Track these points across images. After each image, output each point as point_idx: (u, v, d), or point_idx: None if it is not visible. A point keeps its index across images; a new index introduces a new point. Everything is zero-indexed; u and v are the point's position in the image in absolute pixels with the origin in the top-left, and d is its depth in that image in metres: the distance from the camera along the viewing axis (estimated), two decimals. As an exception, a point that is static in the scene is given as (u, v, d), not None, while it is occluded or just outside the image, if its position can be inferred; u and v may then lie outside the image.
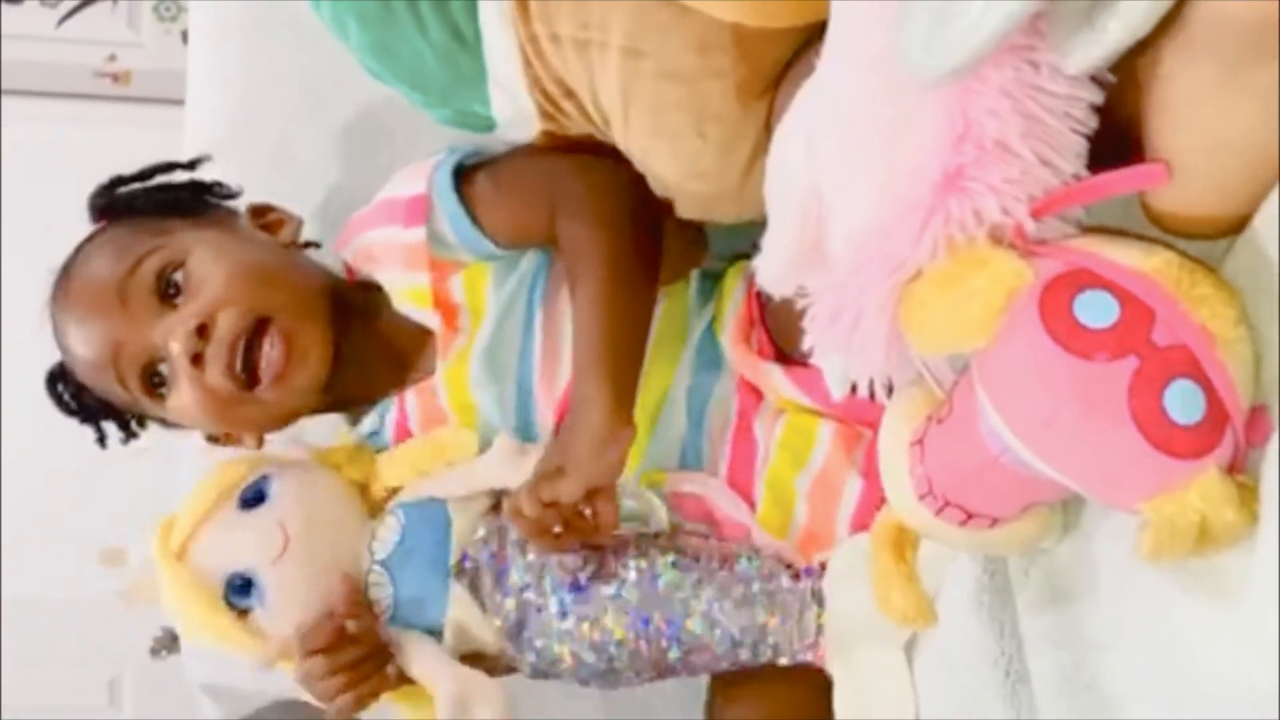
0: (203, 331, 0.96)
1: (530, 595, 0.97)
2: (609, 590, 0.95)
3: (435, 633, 0.99)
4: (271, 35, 1.25)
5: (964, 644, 0.81)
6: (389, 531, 1.00)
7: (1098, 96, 0.59)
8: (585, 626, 0.95)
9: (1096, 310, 0.58)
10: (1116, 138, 0.61)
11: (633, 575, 0.95)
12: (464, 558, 0.99)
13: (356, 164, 1.24)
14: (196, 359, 0.96)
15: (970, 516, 0.69)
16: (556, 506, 0.90)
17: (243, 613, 0.98)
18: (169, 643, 2.25)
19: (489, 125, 0.96)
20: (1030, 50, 0.59)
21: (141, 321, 0.97)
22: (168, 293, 0.97)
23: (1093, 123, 0.60)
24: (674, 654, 0.95)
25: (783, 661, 0.95)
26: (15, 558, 2.07)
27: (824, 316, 0.68)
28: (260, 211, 1.08)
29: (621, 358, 0.92)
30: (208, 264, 0.98)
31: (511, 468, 0.97)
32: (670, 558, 0.96)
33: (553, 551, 0.96)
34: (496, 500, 1.01)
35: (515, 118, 0.94)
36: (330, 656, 0.95)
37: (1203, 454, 0.56)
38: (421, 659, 0.97)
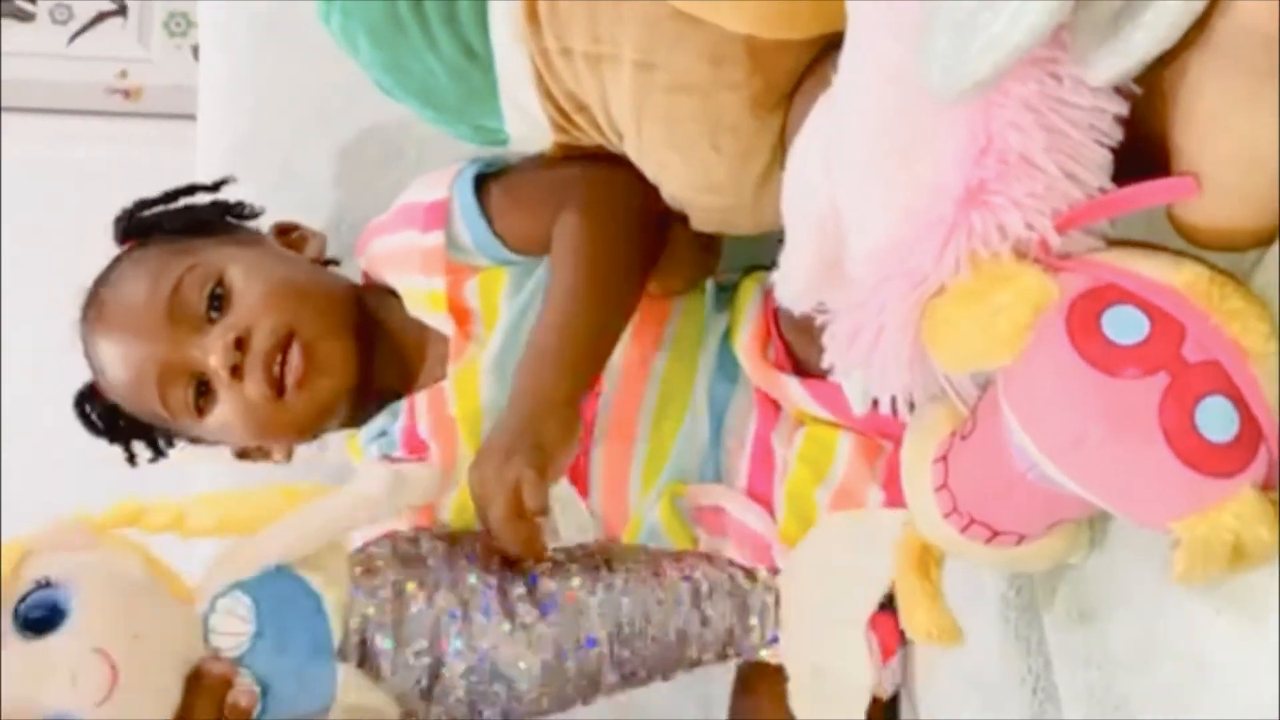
0: (239, 345, 0.98)
1: (451, 640, 0.84)
2: (535, 613, 0.85)
3: None
4: (281, 51, 1.25)
5: (990, 661, 0.80)
6: (233, 621, 0.78)
7: (1123, 108, 0.58)
8: (520, 650, 0.84)
9: (1125, 326, 0.57)
10: (1141, 149, 0.60)
11: (558, 590, 0.86)
12: (350, 635, 0.82)
13: (367, 181, 1.24)
14: (235, 371, 0.98)
15: (996, 534, 0.68)
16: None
17: None
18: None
19: (503, 140, 0.97)
20: (1053, 63, 0.58)
21: (184, 339, 0.99)
22: (208, 311, 1.00)
23: (1117, 135, 0.59)
24: (608, 673, 0.87)
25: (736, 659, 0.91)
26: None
27: (844, 334, 0.67)
28: (285, 230, 1.11)
29: (584, 355, 0.93)
30: (243, 280, 1.00)
31: (391, 494, 0.85)
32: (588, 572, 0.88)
33: (512, 547, 0.86)
34: (363, 561, 0.87)
35: (529, 132, 0.94)
36: None
37: (1236, 472, 0.55)
38: None
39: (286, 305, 1.00)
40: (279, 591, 0.80)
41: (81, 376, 1.09)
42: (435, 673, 0.84)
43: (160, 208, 1.08)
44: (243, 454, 1.09)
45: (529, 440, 0.87)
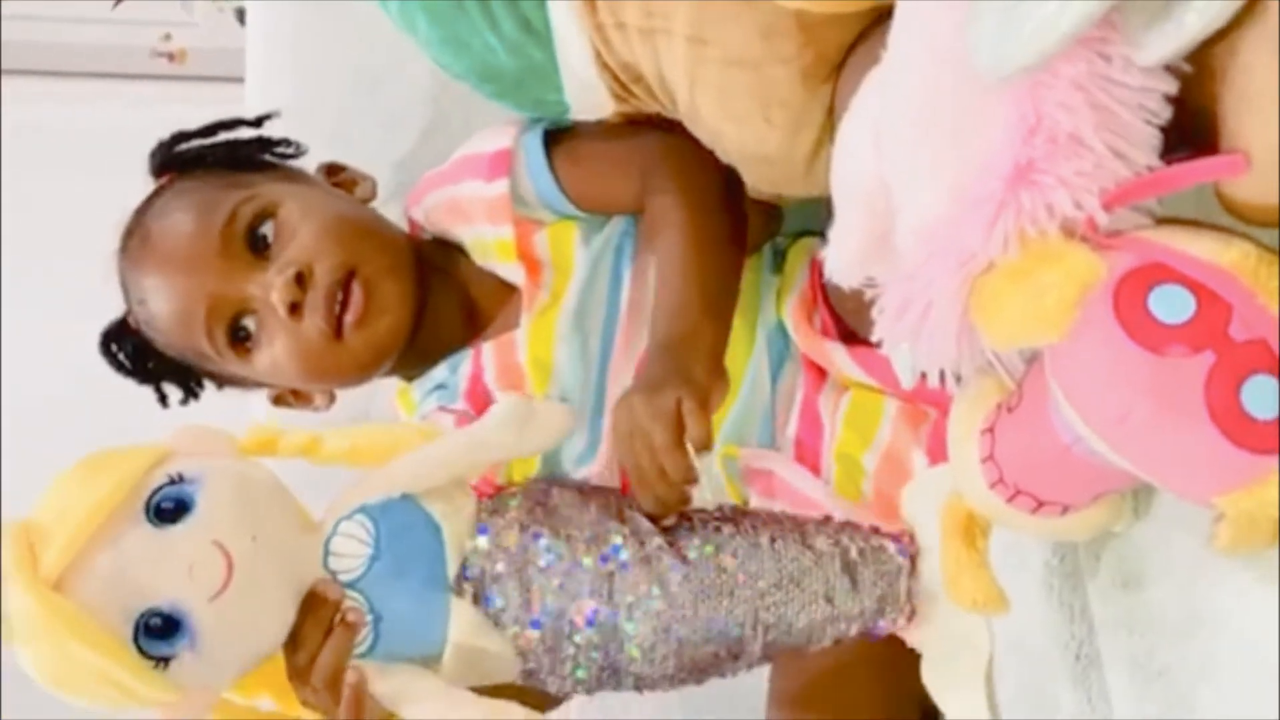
0: (300, 281, 0.96)
1: (584, 596, 0.80)
2: (677, 572, 0.80)
3: (424, 662, 0.81)
4: (329, 14, 1.26)
5: (1033, 627, 0.81)
6: (353, 544, 0.79)
7: (1172, 87, 0.58)
8: (659, 609, 0.80)
9: (1172, 305, 0.57)
10: (1189, 127, 0.60)
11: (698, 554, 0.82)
12: (464, 569, 0.81)
13: (416, 146, 1.25)
14: (294, 309, 0.96)
15: (1041, 504, 0.69)
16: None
17: (160, 661, 0.74)
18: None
19: (563, 112, 0.97)
20: (1103, 42, 0.58)
21: (237, 273, 0.97)
22: (258, 245, 0.98)
23: (1167, 114, 0.59)
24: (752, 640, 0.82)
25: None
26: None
27: (893, 308, 0.68)
28: (333, 170, 1.08)
29: (714, 310, 0.92)
30: (299, 216, 0.98)
31: (520, 428, 0.84)
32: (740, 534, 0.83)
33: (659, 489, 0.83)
34: (493, 503, 0.85)
35: (590, 103, 0.94)
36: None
37: (1281, 448, 0.56)
38: (426, 696, 0.79)
39: (346, 241, 0.98)
40: (400, 518, 0.80)
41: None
42: (561, 628, 0.80)
43: (201, 141, 1.05)
44: (279, 399, 1.07)
45: (681, 376, 0.83)
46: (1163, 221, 0.62)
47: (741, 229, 0.98)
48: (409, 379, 1.07)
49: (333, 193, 1.06)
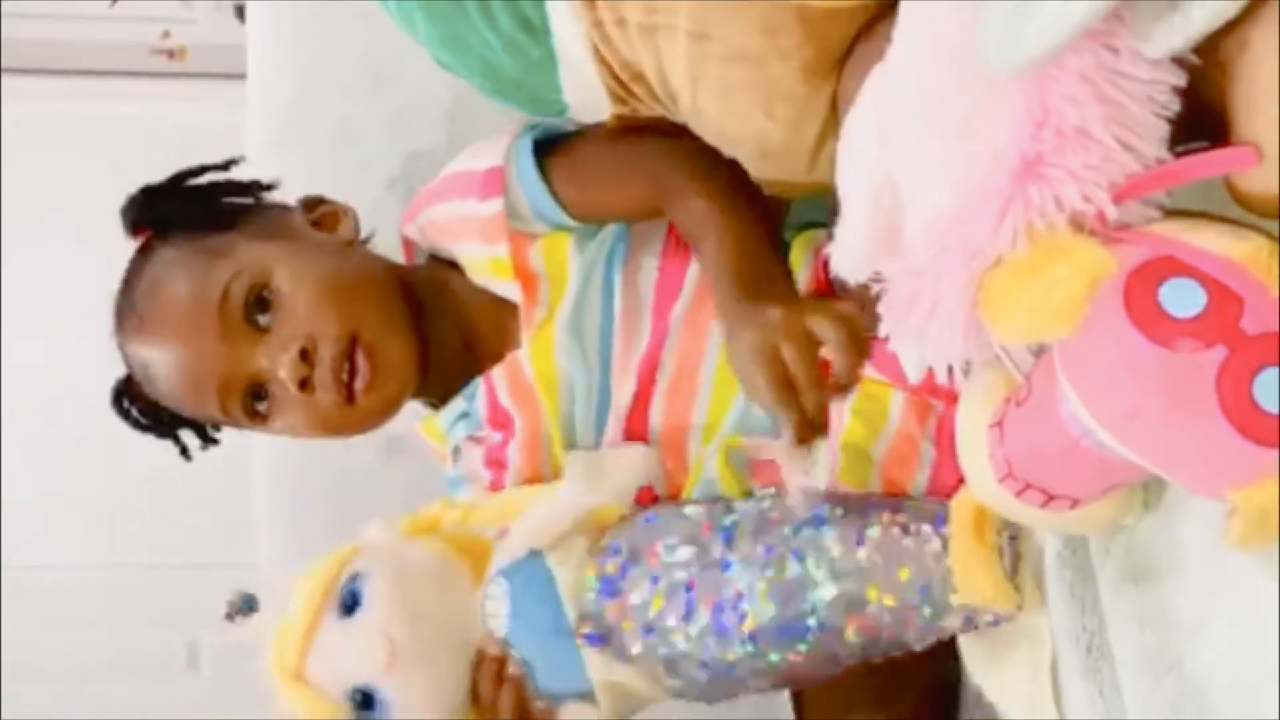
0: (304, 355, 0.97)
1: (679, 602, 0.85)
2: (768, 565, 0.82)
3: (589, 697, 0.90)
4: (330, 10, 1.26)
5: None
6: (496, 604, 0.90)
7: (1180, 80, 0.58)
8: (757, 606, 0.82)
9: (1183, 299, 0.57)
10: (1198, 119, 0.60)
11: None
12: (584, 613, 0.88)
13: (419, 139, 1.24)
14: (303, 384, 0.97)
15: (1051, 498, 0.69)
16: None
17: None
18: (244, 606, 2.31)
19: (561, 111, 0.97)
20: (1110, 35, 0.57)
21: (240, 350, 0.98)
22: (256, 318, 0.98)
23: (1175, 106, 0.59)
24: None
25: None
26: (93, 525, 2.13)
27: (900, 303, 0.68)
28: (312, 205, 1.08)
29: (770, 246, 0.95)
30: (291, 283, 0.98)
31: (595, 484, 0.92)
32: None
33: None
34: (596, 535, 0.92)
35: (588, 102, 0.93)
36: None
37: (1294, 442, 0.56)
38: None
39: (343, 307, 0.98)
40: (527, 573, 0.89)
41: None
42: (669, 639, 0.85)
43: (173, 194, 1.05)
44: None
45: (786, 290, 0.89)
46: (1172, 214, 0.61)
47: (768, 211, 0.98)
48: (431, 405, 1.08)
49: (318, 243, 1.05)
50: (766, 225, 0.98)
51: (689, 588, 0.85)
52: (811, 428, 0.88)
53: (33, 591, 2.18)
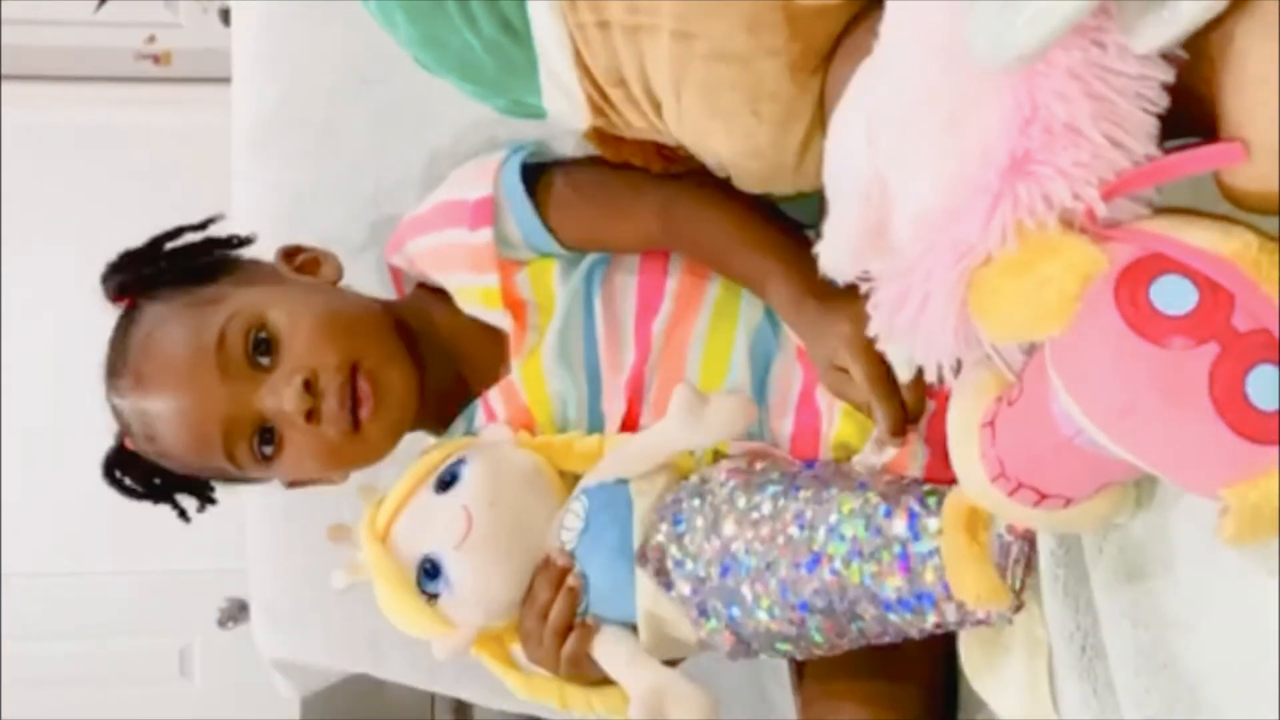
0: (308, 387, 0.96)
1: (743, 569, 0.88)
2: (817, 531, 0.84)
3: (632, 626, 0.94)
4: (313, 14, 1.25)
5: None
6: (574, 518, 0.94)
7: (1169, 75, 0.58)
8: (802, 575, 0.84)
9: (1174, 296, 0.57)
10: (1187, 115, 0.59)
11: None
12: (647, 542, 0.92)
13: (406, 142, 1.24)
14: (309, 415, 0.96)
15: (1044, 497, 0.69)
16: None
17: (432, 597, 0.95)
18: (235, 612, 2.30)
19: (541, 115, 0.96)
20: (1098, 30, 0.57)
21: (243, 390, 0.97)
22: (255, 358, 0.97)
23: (1164, 101, 0.58)
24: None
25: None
26: (83, 532, 2.12)
27: (889, 302, 0.67)
28: (292, 254, 1.08)
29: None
30: (287, 320, 0.98)
31: (695, 421, 0.93)
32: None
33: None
34: (678, 478, 0.96)
35: (567, 108, 0.93)
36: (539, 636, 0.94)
37: (1287, 439, 0.55)
38: (614, 655, 0.92)
39: (341, 338, 0.98)
40: (608, 496, 0.95)
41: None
42: (731, 603, 0.87)
43: (153, 257, 1.04)
44: (294, 483, 1.08)
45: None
46: (1161, 211, 0.61)
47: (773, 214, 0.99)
48: (433, 432, 1.08)
49: (307, 286, 1.05)
50: (793, 232, 0.97)
51: (747, 547, 0.87)
52: (908, 421, 0.88)
53: (23, 599, 2.17)
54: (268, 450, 0.99)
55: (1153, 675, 0.69)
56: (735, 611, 0.88)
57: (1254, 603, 0.61)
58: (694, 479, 0.94)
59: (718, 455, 0.99)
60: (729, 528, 0.88)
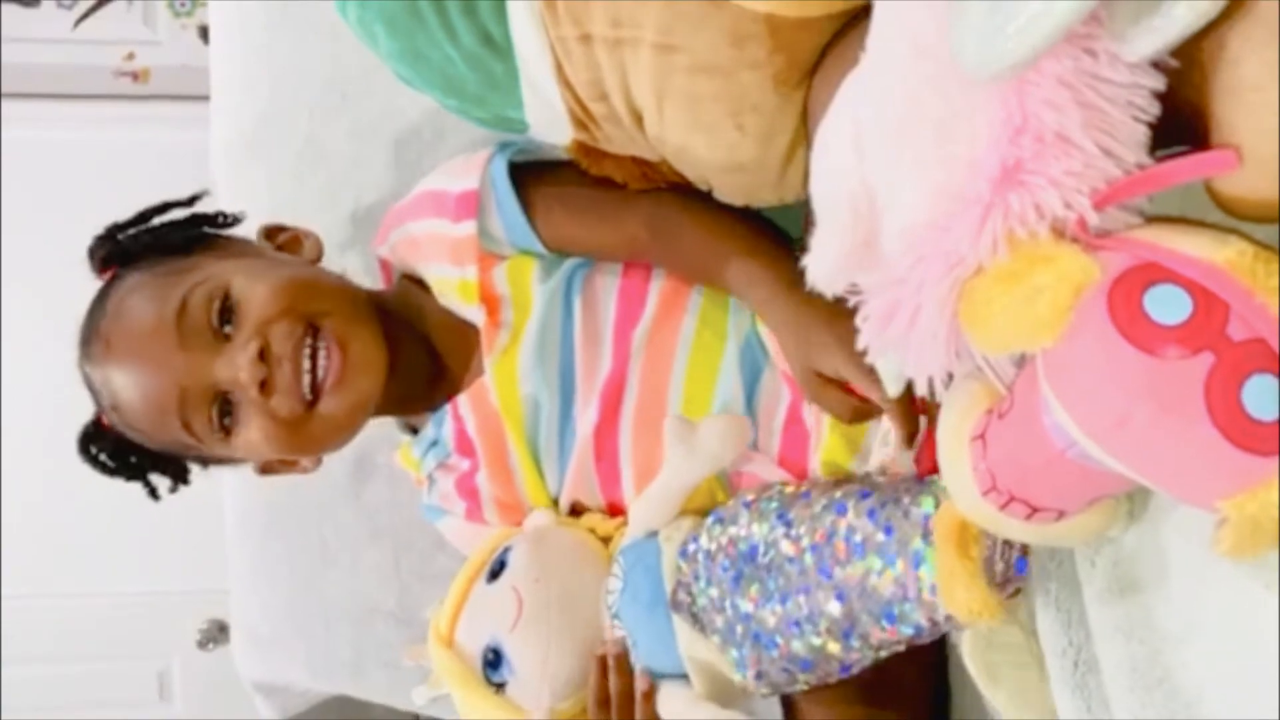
0: (264, 355, 0.94)
1: (760, 593, 0.87)
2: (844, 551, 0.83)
3: (685, 679, 0.94)
4: (294, 30, 1.24)
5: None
6: (615, 580, 0.96)
7: (1160, 83, 0.57)
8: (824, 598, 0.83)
9: (1168, 306, 0.56)
10: (1178, 123, 0.59)
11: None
12: (678, 587, 0.93)
13: (387, 158, 1.23)
14: (264, 386, 0.94)
15: (1035, 510, 0.68)
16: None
17: (500, 686, 0.96)
18: (216, 634, 2.27)
19: (523, 129, 0.96)
20: (1088, 39, 0.56)
21: (202, 360, 0.95)
22: (220, 327, 0.96)
23: (1155, 110, 0.58)
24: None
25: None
26: (61, 554, 2.10)
27: (879, 315, 0.66)
28: (273, 233, 1.07)
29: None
30: (249, 287, 0.96)
31: (689, 450, 0.92)
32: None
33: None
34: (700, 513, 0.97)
35: (549, 121, 0.92)
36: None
37: (1284, 449, 0.55)
38: (672, 709, 0.92)
39: (299, 298, 0.96)
40: (640, 551, 0.96)
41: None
42: (749, 630, 0.87)
43: (137, 229, 1.04)
44: (267, 468, 1.06)
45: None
46: (1154, 220, 0.60)
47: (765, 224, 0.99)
48: (409, 432, 1.08)
49: (280, 258, 1.04)
50: (781, 240, 0.97)
51: (770, 571, 0.86)
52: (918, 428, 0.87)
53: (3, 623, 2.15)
54: (228, 422, 0.97)
55: (1148, 690, 0.68)
56: (759, 640, 0.87)
57: (1249, 615, 0.60)
58: (711, 515, 0.93)
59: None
60: (744, 562, 0.88)
